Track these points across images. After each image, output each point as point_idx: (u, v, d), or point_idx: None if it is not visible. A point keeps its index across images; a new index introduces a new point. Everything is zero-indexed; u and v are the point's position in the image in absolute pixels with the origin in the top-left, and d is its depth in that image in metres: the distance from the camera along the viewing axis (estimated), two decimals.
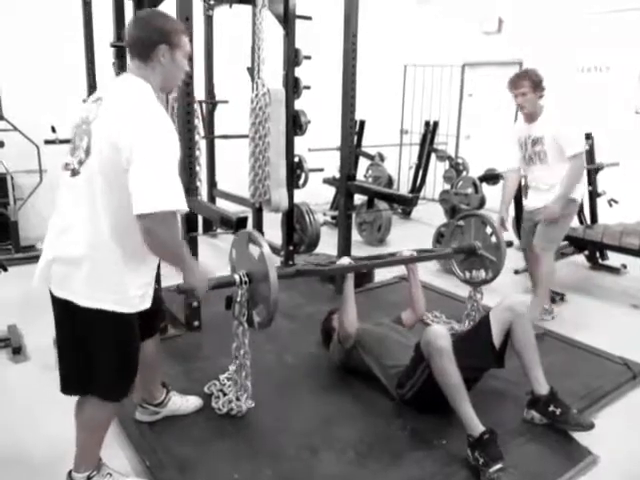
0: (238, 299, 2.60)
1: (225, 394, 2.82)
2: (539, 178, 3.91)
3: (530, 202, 4.06)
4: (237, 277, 2.56)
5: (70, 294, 1.94)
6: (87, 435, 2.16)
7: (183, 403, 2.78)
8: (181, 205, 1.85)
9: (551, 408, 2.64)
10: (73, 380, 2.08)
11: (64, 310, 1.99)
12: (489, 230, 3.54)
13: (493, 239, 3.53)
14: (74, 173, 1.95)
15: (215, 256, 5.46)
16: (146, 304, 2.05)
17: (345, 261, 3.21)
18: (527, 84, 3.70)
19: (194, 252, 3.45)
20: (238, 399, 2.75)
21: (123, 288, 1.96)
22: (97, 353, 2.01)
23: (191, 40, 3.25)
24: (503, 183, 4.20)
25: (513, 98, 3.80)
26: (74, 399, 2.17)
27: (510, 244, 3.65)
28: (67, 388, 2.10)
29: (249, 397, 2.77)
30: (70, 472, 2.19)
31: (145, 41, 1.98)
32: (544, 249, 3.89)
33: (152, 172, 1.79)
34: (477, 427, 2.39)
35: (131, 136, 1.79)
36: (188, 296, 2.38)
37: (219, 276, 2.55)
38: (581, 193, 3.99)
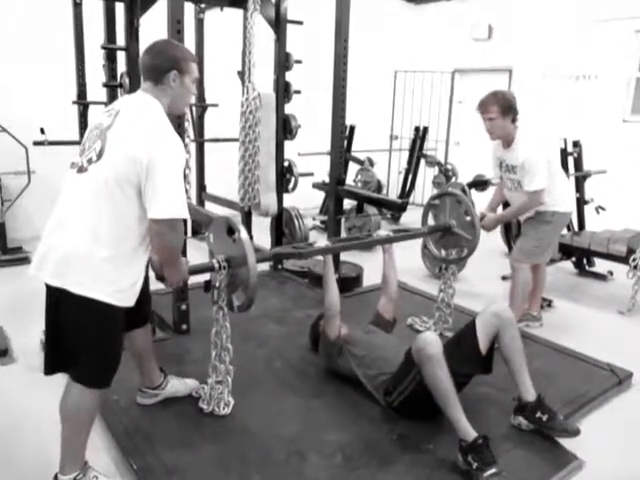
0: (217, 284, 2.60)
1: (216, 398, 2.82)
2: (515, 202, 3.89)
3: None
4: (215, 262, 2.57)
5: (64, 282, 2.03)
6: (71, 429, 2.18)
7: (181, 385, 2.93)
8: (187, 214, 2.09)
9: (538, 414, 2.65)
10: (57, 362, 2.18)
11: (56, 297, 2.09)
12: (463, 208, 3.54)
13: (467, 218, 3.53)
14: (81, 170, 2.10)
15: (204, 259, 5.42)
16: (130, 302, 2.17)
17: (322, 244, 3.17)
18: (495, 109, 3.52)
19: (183, 255, 3.44)
20: (220, 392, 2.77)
21: (112, 282, 2.08)
22: (81, 339, 2.11)
23: (182, 42, 3.25)
24: (495, 189, 4.16)
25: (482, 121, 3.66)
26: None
27: (483, 217, 3.75)
28: (50, 370, 2.21)
29: (228, 386, 2.79)
30: (56, 475, 2.19)
31: (158, 67, 2.21)
32: (517, 260, 3.86)
33: (168, 183, 2.02)
34: (470, 432, 2.40)
35: (149, 150, 1.99)
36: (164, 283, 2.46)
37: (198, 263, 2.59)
38: (568, 205, 3.92)
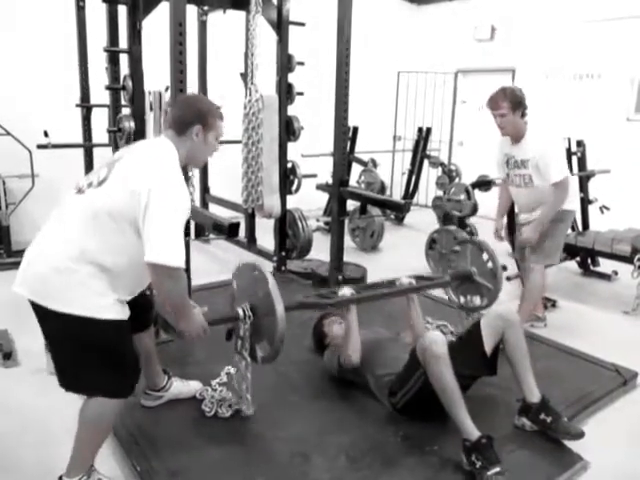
0: (241, 333, 2.51)
1: (219, 400, 2.82)
2: (522, 202, 3.85)
3: (520, 215, 3.99)
4: (241, 311, 2.48)
5: (48, 301, 2.00)
6: (88, 436, 2.17)
7: (184, 387, 2.92)
8: (182, 262, 2.01)
9: (542, 416, 2.64)
10: (65, 378, 2.14)
11: (43, 316, 2.06)
12: (485, 257, 3.42)
13: (489, 265, 3.40)
14: (80, 191, 2.09)
15: (207, 261, 5.45)
16: (120, 315, 2.11)
17: (347, 292, 3.07)
18: (506, 105, 3.53)
19: (186, 257, 3.45)
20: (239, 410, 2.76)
21: (99, 295, 2.03)
22: (78, 355, 2.08)
23: (184, 45, 3.26)
24: (499, 193, 4.13)
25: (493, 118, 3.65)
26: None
27: (505, 268, 3.51)
28: (64, 385, 2.16)
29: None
30: (61, 477, 2.19)
31: (183, 119, 2.22)
32: (534, 262, 3.81)
33: (164, 228, 1.97)
34: (474, 432, 2.40)
35: (150, 190, 1.95)
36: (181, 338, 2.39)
37: (218, 316, 2.52)
38: (576, 203, 3.90)
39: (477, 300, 3.51)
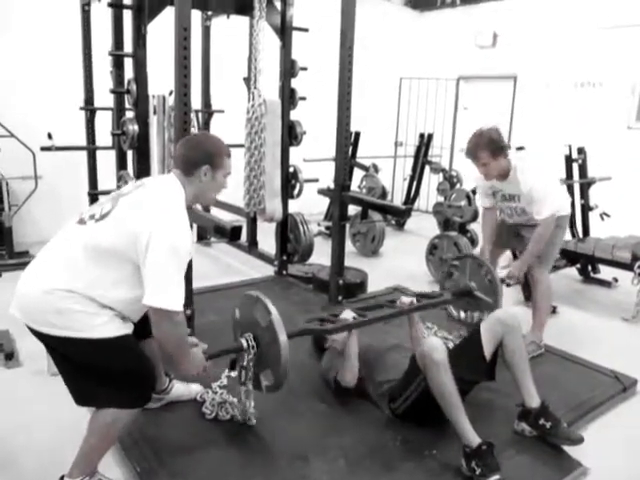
0: (244, 363, 2.50)
1: (219, 403, 2.84)
2: (519, 222, 3.79)
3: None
4: (244, 341, 2.46)
5: (44, 327, 2.03)
6: (98, 441, 2.16)
7: (186, 389, 2.92)
8: (180, 307, 2.01)
9: (541, 421, 2.65)
10: (78, 397, 2.15)
11: (42, 340, 2.09)
12: (484, 271, 3.41)
13: (488, 279, 3.39)
14: (81, 222, 2.09)
15: (209, 264, 5.47)
16: (122, 330, 2.10)
17: (349, 315, 3.04)
18: (485, 155, 3.43)
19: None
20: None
21: (90, 320, 2.01)
22: (86, 376, 2.08)
23: (189, 49, 3.28)
24: (482, 221, 3.99)
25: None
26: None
27: (503, 281, 3.51)
28: (79, 403, 2.17)
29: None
30: (62, 477, 2.19)
31: (191, 159, 2.21)
32: (540, 268, 3.74)
33: (164, 271, 1.96)
34: (474, 438, 2.41)
35: (152, 232, 1.94)
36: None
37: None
38: (568, 206, 3.81)
39: (477, 315, 3.48)
